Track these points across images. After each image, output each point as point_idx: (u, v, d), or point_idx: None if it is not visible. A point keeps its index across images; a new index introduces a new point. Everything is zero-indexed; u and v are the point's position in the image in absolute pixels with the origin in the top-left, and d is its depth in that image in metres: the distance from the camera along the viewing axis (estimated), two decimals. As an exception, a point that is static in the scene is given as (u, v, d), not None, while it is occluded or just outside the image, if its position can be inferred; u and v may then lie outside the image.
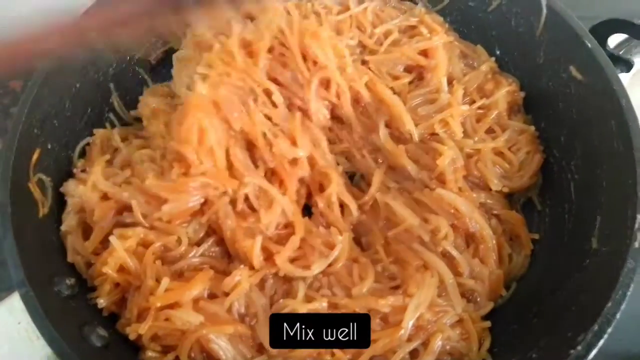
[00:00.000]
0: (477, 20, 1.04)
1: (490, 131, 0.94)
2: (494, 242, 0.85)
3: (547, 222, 0.90)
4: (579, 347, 0.67)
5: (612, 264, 0.72)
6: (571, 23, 0.90)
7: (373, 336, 0.74)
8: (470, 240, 0.85)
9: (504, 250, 0.87)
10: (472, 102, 0.96)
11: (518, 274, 0.87)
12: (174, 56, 0.99)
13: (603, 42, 1.06)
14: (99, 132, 0.93)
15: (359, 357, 0.74)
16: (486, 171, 0.89)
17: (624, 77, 1.02)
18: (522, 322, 0.80)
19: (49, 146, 0.86)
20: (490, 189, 0.89)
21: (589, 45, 0.88)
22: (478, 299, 0.81)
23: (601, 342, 0.67)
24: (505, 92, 0.96)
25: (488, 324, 0.79)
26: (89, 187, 0.82)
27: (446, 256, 0.82)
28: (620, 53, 1.12)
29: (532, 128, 0.96)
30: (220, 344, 0.73)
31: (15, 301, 0.74)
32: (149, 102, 0.95)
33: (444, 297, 0.78)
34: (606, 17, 1.01)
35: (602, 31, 1.06)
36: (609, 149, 0.82)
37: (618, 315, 0.68)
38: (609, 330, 0.68)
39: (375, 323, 0.75)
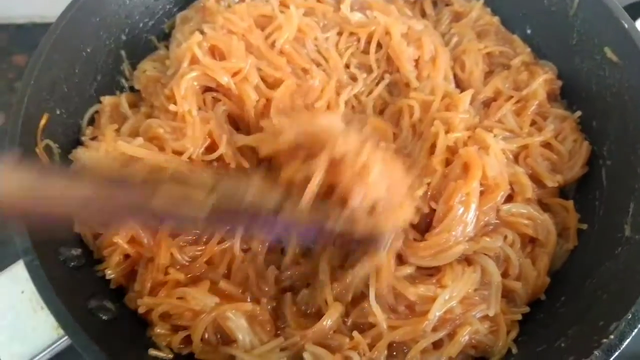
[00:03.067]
0: (508, -3, 1.00)
1: (532, 123, 0.89)
2: (554, 246, 0.81)
3: (576, 209, 0.86)
4: (612, 336, 0.64)
5: (646, 252, 0.69)
6: (606, 2, 0.86)
7: (395, 322, 0.71)
8: (530, 242, 0.81)
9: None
10: (509, 98, 0.90)
11: (555, 267, 0.82)
12: (177, 16, 0.98)
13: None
14: (107, 100, 0.90)
15: (378, 341, 0.70)
16: (537, 167, 0.85)
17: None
18: (549, 311, 0.77)
19: (58, 112, 0.83)
20: (543, 184, 0.85)
21: (626, 25, 0.84)
22: (517, 299, 0.77)
23: (635, 331, 0.64)
24: (542, 80, 0.91)
25: (519, 316, 0.76)
26: (101, 154, 0.78)
27: (500, 256, 0.78)
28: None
29: (576, 114, 0.91)
30: (238, 323, 0.70)
31: (19, 270, 0.71)
32: (146, 67, 0.93)
33: (480, 292, 0.74)
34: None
35: (630, 14, 1.03)
36: (645, 134, 0.78)
37: (652, 304, 0.65)
38: (644, 319, 0.64)
39: (400, 309, 0.72)
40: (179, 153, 0.80)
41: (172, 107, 0.81)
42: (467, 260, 0.76)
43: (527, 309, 0.77)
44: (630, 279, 0.69)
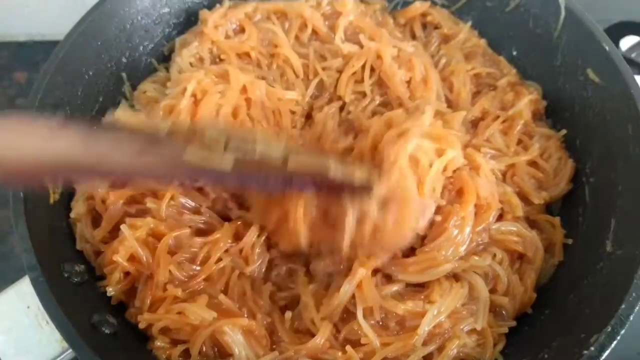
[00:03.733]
0: (494, 20, 1.04)
1: (518, 142, 0.92)
2: (541, 262, 0.83)
3: (561, 225, 0.88)
4: (592, 348, 0.67)
5: (626, 267, 0.72)
6: (589, 25, 0.90)
7: (387, 340, 0.73)
8: (518, 258, 0.84)
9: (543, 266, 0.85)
10: (496, 118, 0.93)
11: (542, 282, 0.85)
12: (177, 40, 1.01)
13: (615, 45, 1.07)
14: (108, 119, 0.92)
15: (372, 357, 0.73)
16: (524, 185, 0.87)
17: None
18: (534, 324, 0.79)
19: (61, 133, 0.86)
20: (529, 201, 0.87)
21: (607, 48, 0.87)
22: (504, 313, 0.79)
23: (614, 343, 0.67)
24: (527, 100, 0.94)
25: (506, 329, 0.78)
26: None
27: (489, 273, 0.80)
28: (633, 56, 1.13)
29: (560, 133, 0.94)
30: (234, 337, 0.72)
31: (24, 285, 0.73)
32: (146, 89, 0.96)
33: (468, 307, 0.76)
34: (618, 20, 1.02)
35: (613, 34, 1.07)
36: (625, 153, 0.81)
37: (632, 317, 0.68)
38: (622, 331, 0.67)
39: (391, 325, 0.74)
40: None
41: None
42: (455, 276, 0.78)
43: (513, 323, 0.79)
44: (610, 293, 0.72)
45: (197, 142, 0.61)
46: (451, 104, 0.96)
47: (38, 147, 0.52)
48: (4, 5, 1.34)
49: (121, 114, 0.87)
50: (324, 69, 0.97)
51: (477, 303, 0.77)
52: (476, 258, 0.79)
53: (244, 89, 0.89)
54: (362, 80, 0.96)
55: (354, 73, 0.96)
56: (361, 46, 0.98)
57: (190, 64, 0.96)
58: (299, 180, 0.69)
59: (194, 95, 0.86)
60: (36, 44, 1.41)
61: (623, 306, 0.68)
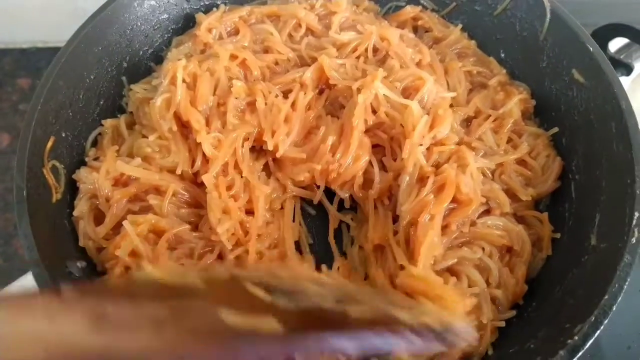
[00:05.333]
0: (482, 24, 1.07)
1: (508, 140, 0.95)
2: (529, 255, 0.86)
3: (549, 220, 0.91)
4: (576, 337, 0.69)
5: (609, 259, 0.75)
6: (574, 27, 0.93)
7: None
8: (507, 251, 0.86)
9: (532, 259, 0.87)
10: (487, 117, 0.96)
11: (531, 275, 0.87)
12: (174, 39, 1.04)
13: (604, 46, 1.10)
14: (108, 122, 0.95)
15: None
16: (512, 183, 0.90)
17: (625, 81, 1.06)
18: (522, 315, 0.82)
19: (63, 135, 0.89)
20: (517, 198, 0.90)
21: (591, 49, 0.90)
22: (499, 306, 0.82)
23: (597, 332, 0.69)
24: (517, 100, 0.97)
25: (502, 323, 0.80)
26: (102, 174, 0.84)
27: (480, 265, 0.82)
28: (621, 57, 1.16)
29: (550, 132, 0.97)
30: None
31: (27, 281, 0.76)
32: (137, 90, 0.97)
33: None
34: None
35: (603, 35, 1.10)
36: (609, 150, 0.84)
37: (614, 307, 0.71)
38: (605, 321, 0.70)
39: None
40: (169, 170, 0.87)
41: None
42: (449, 270, 0.81)
43: (513, 313, 0.82)
44: (594, 284, 0.74)
45: (233, 300, 0.50)
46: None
47: (38, 329, 0.46)
48: (7, 12, 1.37)
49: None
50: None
51: (477, 296, 0.79)
52: (466, 249, 0.82)
53: (232, 57, 0.92)
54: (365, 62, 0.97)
55: (357, 57, 0.97)
56: (358, 33, 1.00)
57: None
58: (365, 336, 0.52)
59: (184, 81, 0.88)
60: (39, 50, 1.44)
61: (606, 297, 0.71)
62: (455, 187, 0.81)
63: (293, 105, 0.90)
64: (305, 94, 0.91)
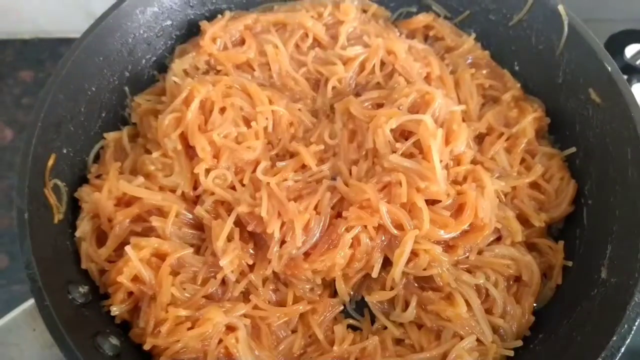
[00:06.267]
0: (497, 34, 1.03)
1: (521, 161, 0.92)
2: (538, 286, 0.84)
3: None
4: (582, 380, 0.68)
5: (619, 296, 0.73)
6: (592, 44, 0.89)
7: None
8: (515, 281, 0.85)
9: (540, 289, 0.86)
10: (500, 135, 0.93)
11: (540, 306, 0.86)
12: (177, 48, 1.02)
13: (620, 52, 1.07)
14: (110, 136, 0.94)
15: None
16: (525, 208, 0.88)
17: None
18: (527, 346, 0.81)
19: (64, 151, 0.87)
20: (529, 223, 0.88)
21: (609, 68, 0.87)
22: (504, 336, 0.81)
23: (602, 375, 0.68)
24: (532, 118, 0.94)
25: (511, 352, 0.79)
26: (104, 194, 0.83)
27: (482, 291, 0.82)
28: (637, 63, 1.13)
29: (566, 152, 0.94)
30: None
31: (30, 308, 0.75)
32: (141, 102, 0.96)
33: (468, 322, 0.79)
34: (622, 20, 1.00)
35: (619, 41, 1.06)
36: (623, 177, 0.82)
37: (623, 349, 0.69)
38: (613, 363, 0.69)
39: None
40: (171, 190, 0.86)
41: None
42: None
43: (519, 343, 0.80)
44: (603, 322, 0.73)
45: None
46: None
47: None
48: (8, 3, 1.34)
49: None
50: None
51: (474, 317, 0.79)
52: (468, 275, 0.81)
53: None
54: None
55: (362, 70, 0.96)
56: (365, 46, 0.97)
57: (185, 71, 0.96)
58: None
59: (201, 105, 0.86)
60: (41, 41, 1.41)
61: (614, 338, 0.69)
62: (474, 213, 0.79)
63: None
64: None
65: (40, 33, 1.41)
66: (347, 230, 0.81)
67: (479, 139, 0.95)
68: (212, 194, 0.85)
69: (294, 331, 0.84)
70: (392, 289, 0.83)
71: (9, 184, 1.24)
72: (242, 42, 0.99)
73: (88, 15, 0.91)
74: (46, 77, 0.84)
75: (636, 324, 0.70)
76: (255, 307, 0.81)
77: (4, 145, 1.28)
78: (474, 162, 0.89)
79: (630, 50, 1.20)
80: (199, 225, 0.87)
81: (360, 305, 0.88)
